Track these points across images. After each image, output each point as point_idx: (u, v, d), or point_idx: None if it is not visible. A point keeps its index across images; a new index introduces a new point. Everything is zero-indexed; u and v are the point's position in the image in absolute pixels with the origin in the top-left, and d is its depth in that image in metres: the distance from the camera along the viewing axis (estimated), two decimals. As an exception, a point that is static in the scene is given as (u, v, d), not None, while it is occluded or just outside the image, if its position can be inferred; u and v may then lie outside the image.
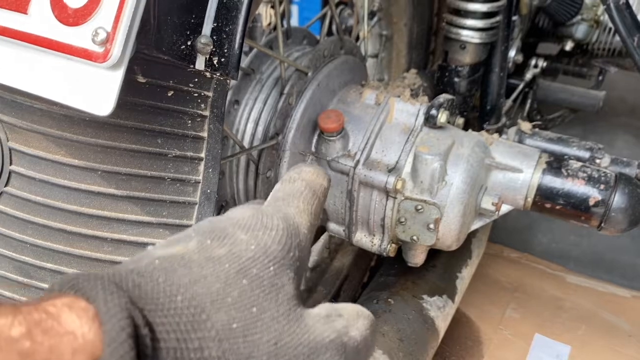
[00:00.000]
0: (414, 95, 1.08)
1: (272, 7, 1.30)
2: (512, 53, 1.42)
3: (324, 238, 1.41)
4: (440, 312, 1.11)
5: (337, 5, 1.54)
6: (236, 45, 0.57)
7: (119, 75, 0.46)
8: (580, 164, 1.00)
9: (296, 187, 0.47)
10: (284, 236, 0.40)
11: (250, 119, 0.99)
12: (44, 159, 0.55)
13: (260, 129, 0.99)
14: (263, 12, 1.59)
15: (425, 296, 1.11)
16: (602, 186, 0.96)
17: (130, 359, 0.29)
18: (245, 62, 1.01)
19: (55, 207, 0.56)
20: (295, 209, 0.44)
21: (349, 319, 0.41)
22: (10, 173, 0.55)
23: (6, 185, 0.55)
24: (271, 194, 0.47)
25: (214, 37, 0.56)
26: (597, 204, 0.96)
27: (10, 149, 0.55)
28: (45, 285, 0.58)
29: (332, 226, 1.05)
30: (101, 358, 0.29)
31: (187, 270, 0.36)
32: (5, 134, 0.55)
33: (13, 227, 0.57)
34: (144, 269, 0.35)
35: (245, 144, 0.99)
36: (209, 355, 0.33)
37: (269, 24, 1.65)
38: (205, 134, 0.58)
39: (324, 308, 0.42)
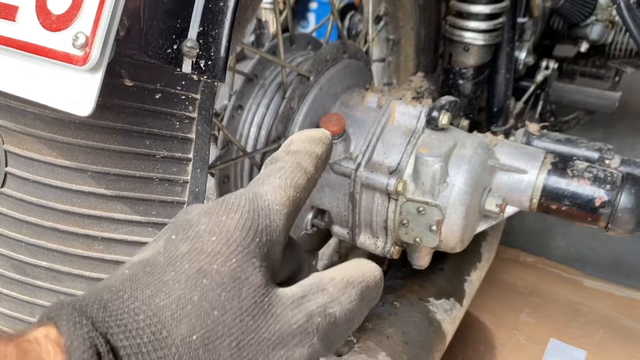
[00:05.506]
0: (419, 98, 1.08)
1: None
2: (522, 55, 1.41)
3: (334, 242, 1.41)
4: (447, 315, 1.10)
5: (346, 10, 1.55)
6: (222, 49, 0.58)
7: (98, 77, 0.47)
8: (586, 164, 0.98)
9: (276, 166, 0.43)
10: (249, 219, 0.38)
11: (254, 123, 1.01)
12: (37, 160, 0.57)
13: (263, 132, 1.00)
14: (270, 19, 1.61)
15: (431, 299, 1.10)
16: (608, 186, 0.94)
17: None
18: (248, 67, 1.02)
19: (48, 206, 0.58)
20: (268, 186, 0.41)
21: (334, 292, 0.39)
22: (5, 174, 0.58)
23: (2, 186, 0.58)
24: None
25: (200, 41, 0.57)
26: (603, 205, 0.94)
27: (5, 151, 0.57)
28: (40, 283, 0.60)
29: (337, 229, 1.06)
30: None
31: (150, 279, 0.36)
32: (1, 137, 0.57)
33: (9, 227, 0.60)
34: (114, 282, 0.36)
35: (249, 148, 1.00)
36: None
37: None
38: (193, 136, 0.60)
39: (306, 284, 0.39)
